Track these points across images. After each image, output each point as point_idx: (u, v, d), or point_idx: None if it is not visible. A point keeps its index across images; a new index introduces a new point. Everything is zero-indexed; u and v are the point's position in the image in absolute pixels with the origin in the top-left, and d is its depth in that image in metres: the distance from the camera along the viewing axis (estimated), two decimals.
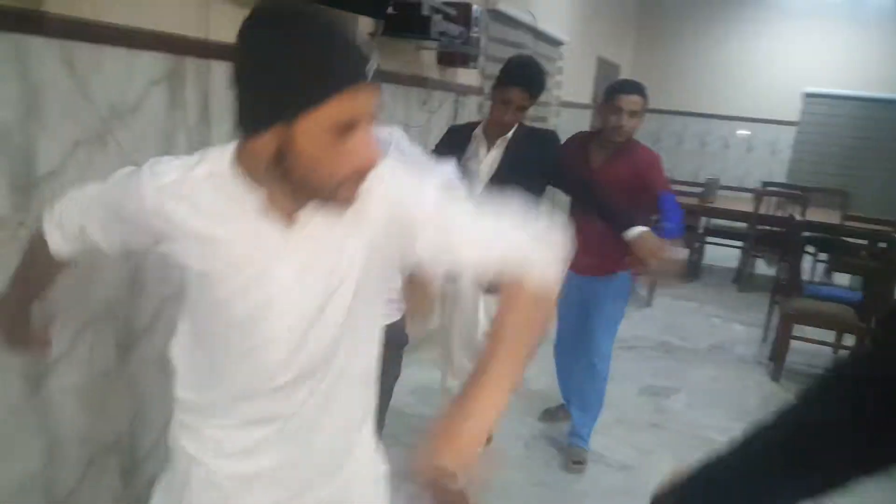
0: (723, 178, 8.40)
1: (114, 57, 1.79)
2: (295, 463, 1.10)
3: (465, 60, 3.69)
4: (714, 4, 8.45)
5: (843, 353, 4.25)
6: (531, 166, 2.43)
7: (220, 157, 1.00)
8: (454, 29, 3.29)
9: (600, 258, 2.67)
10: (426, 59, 3.57)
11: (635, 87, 2.72)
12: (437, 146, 2.65)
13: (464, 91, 4.07)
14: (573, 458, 2.91)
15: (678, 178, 7.24)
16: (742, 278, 6.15)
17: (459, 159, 2.42)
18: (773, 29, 8.25)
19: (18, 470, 1.80)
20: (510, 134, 2.49)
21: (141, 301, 2.04)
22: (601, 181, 2.64)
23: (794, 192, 5.96)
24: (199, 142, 2.13)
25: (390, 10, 2.95)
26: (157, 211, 1.01)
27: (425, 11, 2.94)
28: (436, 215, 1.00)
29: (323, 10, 0.89)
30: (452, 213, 1.01)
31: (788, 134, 8.43)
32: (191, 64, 2.05)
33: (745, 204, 6.15)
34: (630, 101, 2.65)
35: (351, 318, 1.04)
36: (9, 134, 1.57)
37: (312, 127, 0.87)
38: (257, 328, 1.02)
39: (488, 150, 2.52)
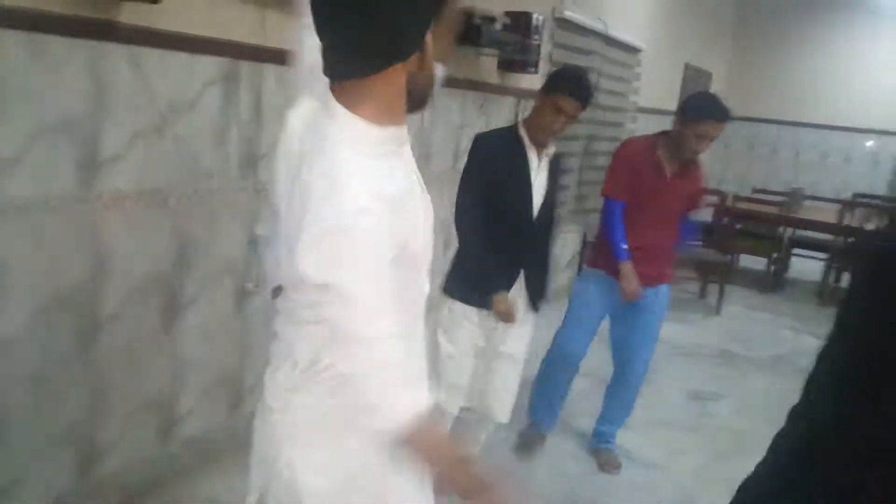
0: (819, 189, 8.05)
1: (175, 60, 2.10)
2: None
3: (524, 66, 3.83)
4: (814, 10, 8.08)
5: None
6: (556, 189, 2.36)
7: (348, 128, 1.01)
8: (510, 37, 3.45)
9: (658, 267, 2.70)
10: (486, 65, 3.74)
11: (726, 115, 2.55)
12: (470, 163, 2.27)
13: (525, 95, 4.21)
14: (608, 460, 2.95)
15: (770, 187, 6.99)
16: (824, 291, 5.87)
17: (501, 171, 2.22)
18: (878, 34, 7.79)
19: None
20: (552, 149, 2.31)
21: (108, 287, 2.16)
22: (671, 192, 2.69)
23: (885, 204, 5.62)
24: (250, 137, 2.41)
25: None
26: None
27: (477, 20, 3.13)
28: None
29: None
30: None
31: (893, 145, 7.92)
32: (246, 67, 2.34)
33: (836, 216, 5.87)
34: (720, 128, 2.53)
35: None
36: (79, 123, 1.90)
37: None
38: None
39: (539, 161, 2.27)
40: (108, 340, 2.16)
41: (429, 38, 0.99)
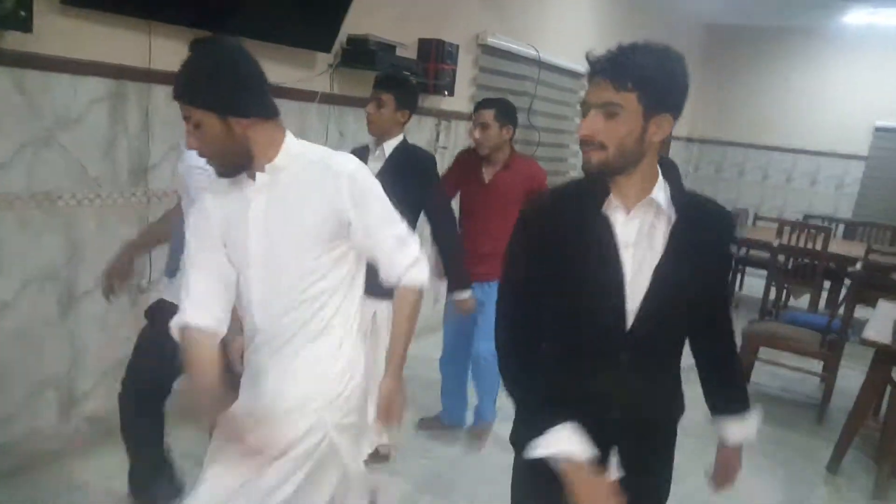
0: (784, 211, 8.25)
1: (58, 81, 2.44)
2: None
3: (437, 89, 4.14)
4: (780, 38, 8.33)
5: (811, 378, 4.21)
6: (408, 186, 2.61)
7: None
8: (411, 63, 3.77)
9: (489, 266, 2.94)
10: None
11: (490, 102, 3.00)
12: None
13: (447, 116, 4.52)
14: (477, 432, 3.27)
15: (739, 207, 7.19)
16: (765, 308, 6.03)
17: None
18: (841, 61, 8.01)
19: None
20: (389, 147, 2.67)
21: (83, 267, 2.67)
22: (493, 194, 2.99)
23: (819, 226, 5.80)
24: (139, 149, 2.74)
25: (345, 45, 3.51)
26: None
27: (371, 47, 3.45)
28: None
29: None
30: None
31: (857, 169, 8.09)
32: (133, 87, 2.68)
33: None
34: (486, 114, 2.94)
35: None
36: None
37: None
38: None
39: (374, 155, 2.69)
40: (6, 325, 2.49)
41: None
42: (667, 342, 1.34)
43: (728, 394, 1.53)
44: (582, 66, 5.73)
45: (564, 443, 1.27)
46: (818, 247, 5.60)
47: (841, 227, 7.11)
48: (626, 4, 6.74)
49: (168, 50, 2.72)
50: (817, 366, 4.20)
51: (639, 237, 1.26)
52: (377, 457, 2.93)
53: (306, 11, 3.17)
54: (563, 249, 1.27)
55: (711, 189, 9.06)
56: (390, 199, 1.55)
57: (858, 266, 3.96)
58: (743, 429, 1.53)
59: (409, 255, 1.55)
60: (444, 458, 3.14)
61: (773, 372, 4.55)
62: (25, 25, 2.20)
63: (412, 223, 2.61)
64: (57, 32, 2.38)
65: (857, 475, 3.36)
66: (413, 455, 3.11)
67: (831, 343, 3.90)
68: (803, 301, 6.24)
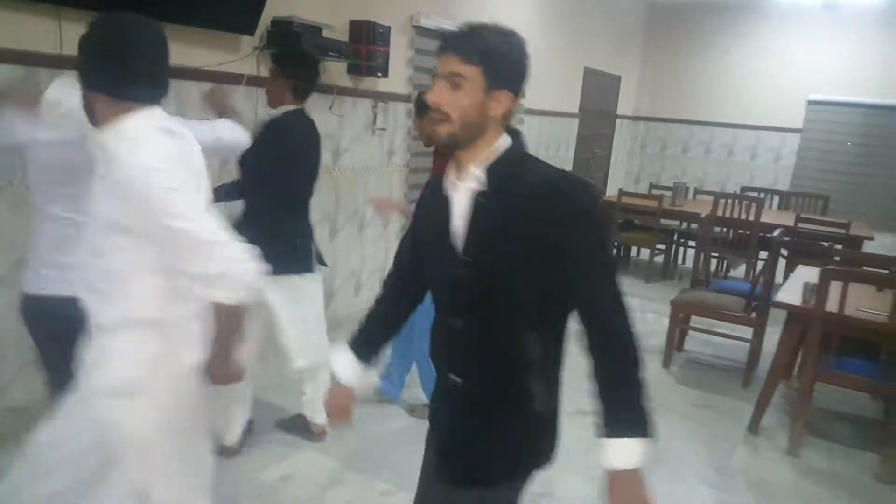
0: (727, 184, 8.49)
1: None
2: None
3: (372, 71, 4.16)
4: (720, 15, 8.51)
5: (732, 342, 4.39)
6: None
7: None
8: (338, 44, 3.78)
9: None
10: (334, 69, 4.07)
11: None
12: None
13: (383, 98, 4.54)
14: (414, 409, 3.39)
15: (667, 183, 7.36)
16: (695, 278, 6.24)
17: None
18: (778, 38, 8.23)
19: None
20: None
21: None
22: None
23: (752, 197, 6.00)
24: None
25: (270, 27, 3.51)
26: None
27: (296, 28, 3.45)
28: None
29: None
30: None
31: (793, 141, 8.35)
32: (44, 73, 2.65)
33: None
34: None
35: None
36: None
37: None
38: None
39: None
40: None
41: None
42: (503, 318, 1.32)
43: (610, 409, 1.30)
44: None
45: (338, 360, 1.57)
46: (751, 217, 5.81)
47: (776, 199, 7.35)
48: None
49: (79, 35, 2.68)
50: (749, 333, 4.36)
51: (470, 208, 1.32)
52: (310, 434, 3.00)
53: None
54: (418, 224, 1.54)
55: (658, 166, 9.28)
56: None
57: (776, 233, 4.12)
58: (623, 453, 1.28)
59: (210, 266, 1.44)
60: (374, 434, 3.21)
61: (707, 340, 4.72)
62: None
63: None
64: None
65: (777, 434, 3.54)
66: (343, 432, 3.16)
67: (756, 309, 4.07)
68: (742, 272, 6.46)
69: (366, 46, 4.07)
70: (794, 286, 3.51)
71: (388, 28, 4.19)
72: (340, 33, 4.00)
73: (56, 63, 2.66)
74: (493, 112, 1.29)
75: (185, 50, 3.21)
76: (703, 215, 5.06)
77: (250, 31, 3.38)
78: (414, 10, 4.66)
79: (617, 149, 9.02)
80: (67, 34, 2.68)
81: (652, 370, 4.26)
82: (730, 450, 3.37)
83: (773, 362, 3.46)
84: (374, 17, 4.16)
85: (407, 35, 4.67)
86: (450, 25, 4.94)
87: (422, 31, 4.74)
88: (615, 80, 8.50)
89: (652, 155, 9.39)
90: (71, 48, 2.68)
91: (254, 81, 3.53)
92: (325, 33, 3.69)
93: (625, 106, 8.97)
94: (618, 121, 8.86)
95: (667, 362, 4.32)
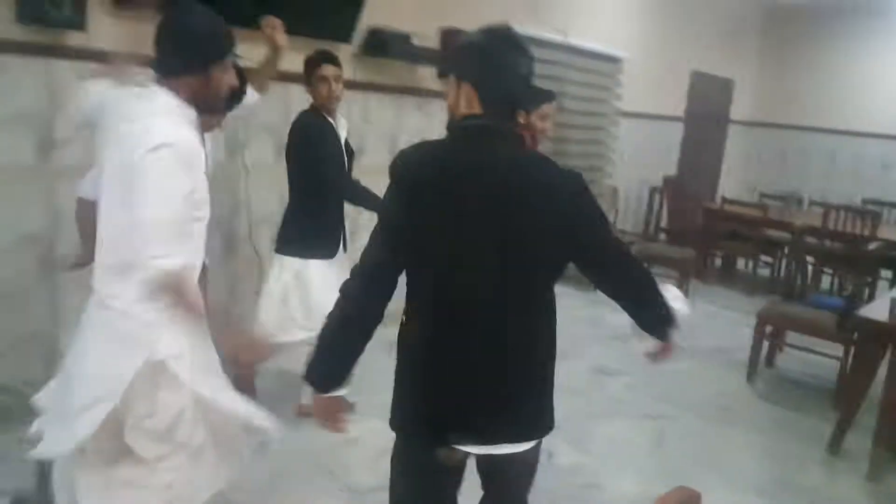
0: (854, 197, 7.94)
1: None
2: None
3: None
4: (844, 18, 7.98)
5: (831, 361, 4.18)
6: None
7: (157, 98, 1.67)
8: (426, 51, 4.00)
9: None
10: (423, 74, 4.30)
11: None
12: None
13: None
14: None
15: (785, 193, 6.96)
16: (790, 291, 5.92)
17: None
18: None
19: None
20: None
21: None
22: None
23: (867, 209, 5.63)
24: None
25: (366, 35, 3.79)
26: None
27: (385, 37, 3.71)
28: None
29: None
30: None
31: None
32: None
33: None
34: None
35: None
36: None
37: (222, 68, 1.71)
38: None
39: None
40: None
41: (214, 71, 1.69)
42: None
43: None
44: (619, 51, 5.84)
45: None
46: (867, 232, 5.45)
47: None
48: None
49: None
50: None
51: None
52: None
53: (327, 6, 3.47)
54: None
55: (775, 174, 8.79)
56: None
57: (872, 247, 3.89)
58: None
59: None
60: None
61: (802, 357, 4.49)
62: (79, 24, 2.64)
63: None
64: (109, 31, 2.78)
65: (860, 458, 3.35)
66: None
67: (848, 326, 3.86)
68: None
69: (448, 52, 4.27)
70: (884, 302, 3.33)
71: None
72: (431, 41, 4.22)
73: None
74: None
75: (290, 57, 3.53)
76: (797, 225, 4.81)
77: (348, 38, 3.67)
78: (505, 18, 4.78)
79: (729, 155, 8.67)
80: None
81: (732, 383, 4.15)
82: (801, 468, 3.25)
83: (848, 380, 3.29)
84: (467, 26, 4.32)
85: None
86: (541, 31, 5.04)
87: None
88: (727, 83, 8.20)
89: (769, 163, 8.92)
90: None
91: (349, 85, 3.81)
92: (415, 41, 3.92)
93: (738, 111, 8.61)
94: (731, 126, 8.52)
95: (750, 376, 4.19)
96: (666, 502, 1.26)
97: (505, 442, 1.57)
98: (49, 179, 2.83)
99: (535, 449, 1.67)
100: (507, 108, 1.50)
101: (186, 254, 1.66)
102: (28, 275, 2.91)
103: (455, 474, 1.70)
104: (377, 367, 1.65)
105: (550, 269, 1.53)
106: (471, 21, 4.46)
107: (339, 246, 3.03)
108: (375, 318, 1.53)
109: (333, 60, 2.89)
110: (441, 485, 1.70)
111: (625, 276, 1.61)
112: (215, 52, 1.69)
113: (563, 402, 3.37)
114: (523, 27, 4.83)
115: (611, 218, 6.41)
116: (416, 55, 3.87)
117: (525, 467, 1.72)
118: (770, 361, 4.44)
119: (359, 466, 2.85)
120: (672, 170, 7.44)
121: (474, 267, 1.45)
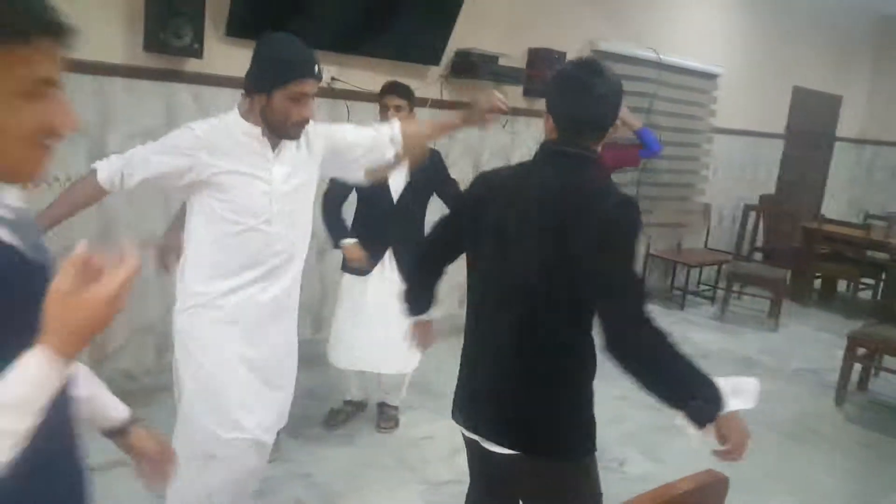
0: None
1: (222, 93, 3.21)
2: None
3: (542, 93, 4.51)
4: None
5: None
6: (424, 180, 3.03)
7: (230, 114, 1.87)
8: (514, 71, 4.20)
9: None
10: (510, 92, 4.48)
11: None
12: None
13: None
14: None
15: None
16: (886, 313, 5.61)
17: None
18: None
19: None
20: None
21: None
22: None
23: None
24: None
25: (454, 57, 4.04)
26: (204, 141, 1.81)
27: (473, 59, 3.94)
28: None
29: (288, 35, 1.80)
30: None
31: None
32: None
33: None
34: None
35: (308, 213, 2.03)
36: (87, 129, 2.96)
37: (282, 96, 1.77)
38: (261, 212, 1.85)
39: None
40: None
41: (276, 96, 1.76)
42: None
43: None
44: (714, 67, 5.80)
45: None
46: None
47: None
48: None
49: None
50: None
51: None
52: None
53: (417, 33, 3.76)
54: None
55: (884, 194, 8.31)
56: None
57: None
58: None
59: None
60: None
61: None
62: (197, 52, 3.00)
63: (423, 211, 3.06)
64: (222, 56, 3.15)
65: None
66: None
67: None
68: None
69: (540, 71, 4.43)
70: None
71: (564, 53, 4.52)
72: (519, 61, 4.41)
73: None
74: None
75: (383, 77, 3.83)
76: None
77: (437, 61, 3.93)
78: (594, 36, 4.93)
79: (835, 174, 8.30)
80: None
81: (819, 405, 4.04)
82: (883, 491, 3.15)
83: None
84: (555, 45, 4.51)
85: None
86: (631, 48, 5.13)
87: (601, 55, 4.97)
88: (834, 100, 7.87)
89: (879, 182, 8.45)
90: None
91: (437, 104, 4.07)
92: (501, 61, 4.13)
93: (846, 128, 8.23)
94: (837, 143, 8.16)
95: (839, 398, 4.06)
96: (692, 482, 1.27)
97: (505, 444, 1.61)
98: None
99: (559, 471, 1.61)
100: (579, 134, 1.55)
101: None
102: (145, 268, 3.27)
103: (504, 476, 1.72)
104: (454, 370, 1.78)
105: (586, 293, 1.49)
106: (559, 41, 4.69)
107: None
108: (437, 271, 1.85)
109: (398, 91, 2.97)
110: (487, 481, 1.82)
111: (624, 329, 1.44)
112: (278, 77, 1.74)
113: (637, 416, 3.50)
114: (611, 44, 4.96)
115: (701, 236, 6.34)
116: (502, 75, 4.07)
117: (541, 486, 1.64)
118: (863, 385, 4.28)
119: (436, 461, 3.04)
120: (770, 188, 7.23)
121: (513, 279, 1.58)
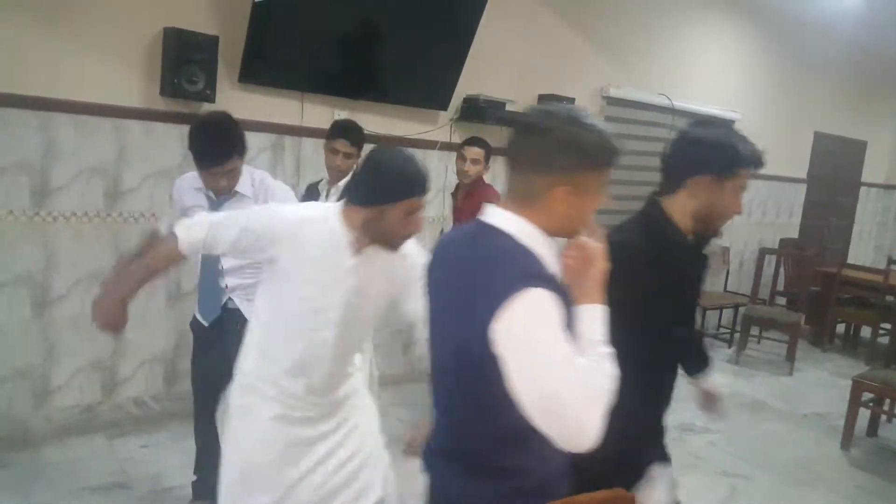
0: None
1: None
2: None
3: None
4: None
5: None
6: None
7: (330, 211, 1.79)
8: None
9: None
10: None
11: (475, 141, 3.48)
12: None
13: None
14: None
15: None
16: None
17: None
18: None
19: None
20: (343, 183, 2.98)
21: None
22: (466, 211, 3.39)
23: None
24: (292, 183, 3.64)
25: (462, 103, 4.25)
26: (295, 232, 1.76)
27: (481, 104, 4.15)
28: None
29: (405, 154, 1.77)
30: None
31: None
32: (288, 139, 3.65)
33: None
34: (471, 151, 3.38)
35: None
36: (105, 169, 3.25)
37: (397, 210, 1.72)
38: (323, 314, 1.79)
39: (327, 196, 3.06)
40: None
41: (389, 210, 1.71)
42: None
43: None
44: (731, 112, 5.90)
45: None
46: None
47: None
48: (777, 40, 6.49)
49: (316, 112, 3.69)
50: None
51: None
52: None
53: (426, 80, 4.00)
54: None
55: None
56: None
57: None
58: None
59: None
60: None
61: None
62: (210, 98, 3.26)
63: None
64: (234, 101, 3.41)
65: None
66: None
67: None
68: None
69: None
70: None
71: (573, 99, 4.70)
72: (526, 107, 4.59)
73: (298, 132, 3.67)
74: None
75: (393, 122, 4.08)
76: None
77: (445, 106, 4.15)
78: (605, 82, 5.11)
79: (861, 219, 8.23)
80: (307, 111, 3.68)
81: (824, 449, 4.01)
82: None
83: None
84: (565, 91, 4.70)
85: (597, 104, 5.12)
86: (643, 94, 5.28)
87: (611, 101, 5.15)
88: (858, 145, 7.87)
89: None
90: (310, 122, 3.69)
91: (445, 147, 4.28)
92: (508, 107, 4.33)
93: (872, 172, 8.19)
94: (862, 189, 8.12)
95: (845, 443, 4.02)
96: (594, 498, 1.32)
97: None
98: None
99: None
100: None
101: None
102: (155, 300, 3.45)
103: None
104: None
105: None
106: (569, 87, 4.87)
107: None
108: None
109: (349, 135, 2.99)
110: None
111: None
112: (399, 192, 1.72)
113: None
114: (621, 91, 5.13)
115: (721, 278, 6.35)
116: (509, 120, 4.26)
117: None
118: (873, 430, 4.23)
119: None
120: (792, 232, 7.22)
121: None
